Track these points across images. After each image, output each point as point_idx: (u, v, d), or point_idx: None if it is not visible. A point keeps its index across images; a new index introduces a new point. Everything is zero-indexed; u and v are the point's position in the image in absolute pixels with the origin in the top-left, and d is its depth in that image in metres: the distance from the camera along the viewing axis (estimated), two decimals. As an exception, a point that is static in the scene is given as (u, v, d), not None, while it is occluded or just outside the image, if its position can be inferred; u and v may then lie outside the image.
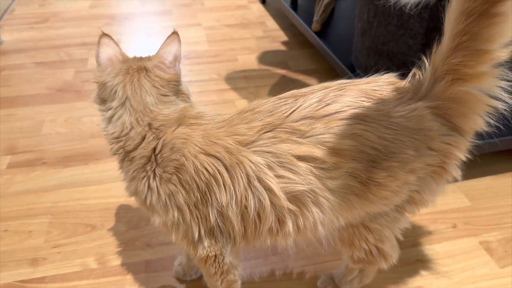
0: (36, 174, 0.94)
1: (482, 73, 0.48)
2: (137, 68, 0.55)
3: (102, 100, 0.55)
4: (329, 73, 1.38)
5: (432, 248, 0.79)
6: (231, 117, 0.54)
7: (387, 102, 0.52)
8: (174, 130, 0.52)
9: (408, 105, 0.51)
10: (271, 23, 1.75)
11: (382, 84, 0.55)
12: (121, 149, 0.53)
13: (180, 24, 1.72)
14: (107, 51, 0.56)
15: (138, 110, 0.52)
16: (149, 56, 0.57)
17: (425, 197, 0.55)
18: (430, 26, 0.87)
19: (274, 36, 1.63)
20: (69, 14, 1.77)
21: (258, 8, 1.90)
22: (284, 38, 1.62)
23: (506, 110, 0.51)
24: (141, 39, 1.58)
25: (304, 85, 1.31)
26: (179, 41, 0.57)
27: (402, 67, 0.97)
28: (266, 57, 1.48)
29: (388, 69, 1.00)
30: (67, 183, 0.92)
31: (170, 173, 0.51)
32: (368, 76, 0.58)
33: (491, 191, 0.92)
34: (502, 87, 0.49)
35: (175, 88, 0.57)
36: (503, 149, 0.91)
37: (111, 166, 0.96)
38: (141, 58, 0.57)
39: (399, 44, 0.94)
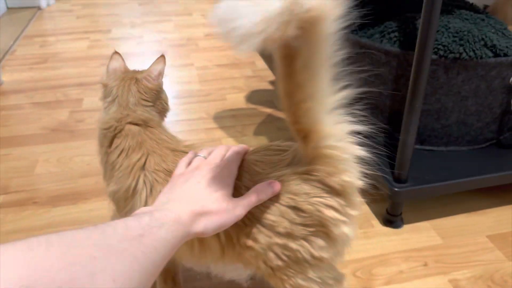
0: (26, 214, 0.98)
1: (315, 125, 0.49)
2: (130, 77, 0.73)
3: (104, 97, 0.73)
4: (313, 111, 1.43)
5: (403, 287, 0.82)
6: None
7: (265, 167, 0.55)
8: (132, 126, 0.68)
9: (276, 172, 0.54)
10: (260, 63, 1.82)
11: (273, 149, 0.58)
12: (104, 130, 0.68)
13: (174, 64, 1.80)
14: (115, 64, 0.77)
15: (122, 106, 0.69)
16: (141, 70, 0.76)
17: (317, 253, 0.55)
18: (398, 73, 0.93)
19: (263, 76, 1.71)
20: (68, 55, 1.86)
21: (249, 47, 1.98)
22: (272, 77, 1.69)
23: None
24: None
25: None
26: (164, 62, 0.78)
27: (375, 110, 1.02)
28: (254, 96, 1.54)
29: (362, 112, 1.06)
30: (56, 222, 0.96)
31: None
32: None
33: (463, 229, 0.95)
34: (354, 132, 0.48)
35: (156, 95, 0.75)
36: (473, 188, 0.95)
37: (99, 206, 1.00)
38: (135, 71, 0.77)
39: (370, 88, 1.00)
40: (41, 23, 2.28)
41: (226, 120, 1.39)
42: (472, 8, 0.99)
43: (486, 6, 1.13)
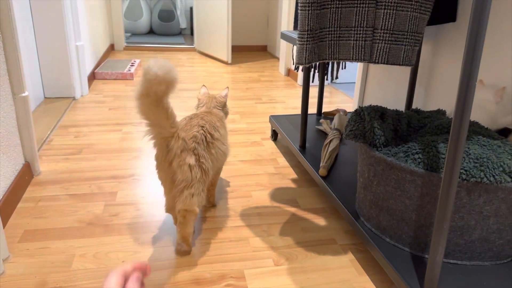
0: (63, 312, 1.01)
1: None
2: (212, 96, 1.51)
3: (197, 105, 1.53)
4: (336, 213, 1.50)
5: None
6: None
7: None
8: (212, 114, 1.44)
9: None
10: (282, 160, 1.93)
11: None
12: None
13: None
14: (203, 90, 1.55)
15: (207, 107, 1.48)
16: (218, 94, 1.53)
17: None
18: (423, 191, 1.01)
19: (285, 173, 1.80)
20: (101, 146, 1.99)
21: (270, 145, 2.11)
22: (294, 175, 1.78)
23: None
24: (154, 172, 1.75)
25: (312, 224, 1.43)
26: (228, 89, 1.56)
27: (401, 223, 1.08)
28: (277, 194, 1.62)
29: (388, 222, 1.12)
30: (93, 323, 0.98)
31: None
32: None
33: None
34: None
35: (223, 104, 1.52)
36: None
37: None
38: (214, 95, 1.52)
39: (397, 202, 1.08)
40: (75, 113, 2.45)
41: (252, 218, 1.45)
42: (488, 133, 1.10)
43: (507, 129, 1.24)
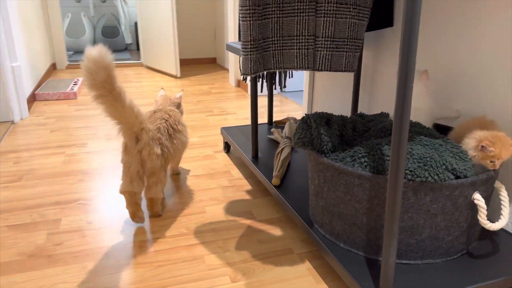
0: None
1: None
2: (168, 97, 1.71)
3: (155, 105, 1.66)
4: (291, 222, 1.49)
5: None
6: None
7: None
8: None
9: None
10: (236, 172, 1.90)
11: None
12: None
13: (150, 177, 1.84)
14: (161, 93, 1.75)
15: (162, 107, 1.59)
16: (174, 96, 1.74)
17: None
18: (371, 194, 1.02)
19: (239, 185, 1.77)
20: (43, 171, 1.87)
21: (224, 157, 2.08)
22: (248, 187, 1.76)
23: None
24: (113, 196, 1.67)
25: (268, 235, 1.41)
26: (182, 93, 1.77)
27: (353, 227, 1.09)
28: (232, 207, 1.59)
29: (340, 228, 1.12)
30: None
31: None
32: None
33: None
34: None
35: (177, 104, 1.72)
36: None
37: None
38: (169, 97, 1.72)
39: (348, 207, 1.08)
40: (14, 137, 2.30)
41: (207, 234, 1.41)
42: (429, 132, 1.13)
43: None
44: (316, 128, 1.16)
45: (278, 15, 1.44)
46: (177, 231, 1.43)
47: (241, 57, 1.41)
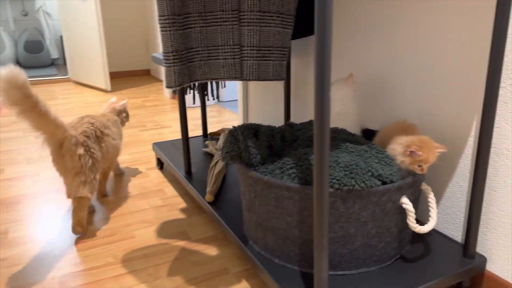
0: None
1: None
2: (112, 103, 1.82)
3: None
4: (227, 239, 1.42)
5: None
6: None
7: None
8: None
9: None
10: (170, 190, 1.81)
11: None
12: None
13: (75, 201, 1.70)
14: (112, 100, 1.85)
15: (103, 111, 1.77)
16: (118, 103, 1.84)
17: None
18: (301, 206, 0.98)
19: (173, 204, 1.68)
20: None
21: (157, 175, 1.97)
22: (183, 204, 1.68)
23: None
24: (32, 227, 1.52)
25: (204, 255, 1.33)
26: (126, 101, 1.87)
27: (286, 241, 1.04)
28: (165, 229, 1.49)
29: (274, 243, 1.08)
30: None
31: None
32: None
33: None
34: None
35: (117, 111, 1.80)
36: (388, 308, 0.98)
37: None
38: (114, 103, 1.82)
39: (279, 221, 1.04)
40: None
41: (137, 262, 1.30)
42: (355, 139, 1.12)
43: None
44: (243, 141, 1.11)
45: (201, 25, 1.38)
46: (103, 261, 1.31)
47: (164, 69, 1.34)
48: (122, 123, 1.83)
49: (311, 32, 1.67)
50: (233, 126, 1.19)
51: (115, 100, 1.86)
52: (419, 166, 1.00)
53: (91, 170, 1.46)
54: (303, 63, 1.80)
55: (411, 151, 0.99)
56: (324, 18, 0.72)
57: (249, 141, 1.10)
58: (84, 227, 1.45)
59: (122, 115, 1.84)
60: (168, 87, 1.31)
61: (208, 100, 2.14)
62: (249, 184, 1.09)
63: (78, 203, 1.44)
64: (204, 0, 1.35)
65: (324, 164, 0.80)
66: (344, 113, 1.30)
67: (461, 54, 1.08)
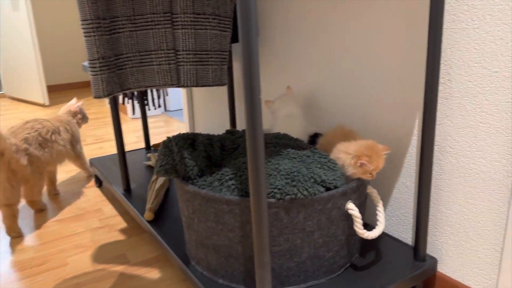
0: None
1: None
2: (70, 106, 1.83)
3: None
4: (170, 260, 1.32)
5: None
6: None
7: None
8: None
9: None
10: (109, 209, 1.67)
11: None
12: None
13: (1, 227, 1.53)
14: (72, 102, 1.85)
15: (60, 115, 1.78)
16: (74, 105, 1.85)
17: None
18: (243, 219, 0.90)
19: (112, 225, 1.55)
20: None
21: (95, 193, 1.83)
22: (123, 224, 1.55)
23: None
24: None
25: (144, 280, 1.22)
26: (81, 103, 1.88)
27: (230, 259, 0.96)
28: (102, 253, 1.36)
29: (217, 262, 0.99)
30: None
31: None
32: None
33: None
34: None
35: (72, 113, 1.83)
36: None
37: None
38: (72, 105, 1.84)
39: (221, 238, 0.95)
40: None
41: (69, 292, 1.17)
42: (297, 144, 1.06)
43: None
44: (178, 152, 1.02)
45: (130, 29, 1.28)
46: (29, 295, 1.16)
47: (91, 78, 1.22)
48: (79, 124, 1.87)
49: (251, 35, 1.61)
50: (167, 137, 1.09)
51: (74, 102, 1.88)
52: (370, 174, 0.95)
53: (36, 175, 1.53)
54: (246, 67, 1.74)
55: (361, 163, 0.94)
56: (248, 14, 0.65)
57: (184, 152, 1.01)
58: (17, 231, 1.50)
59: (78, 116, 1.86)
60: (96, 97, 1.20)
61: (149, 109, 2.03)
62: (187, 200, 1.00)
63: (31, 203, 1.62)
64: (133, 2, 1.26)
65: (260, 174, 0.72)
66: (291, 118, 1.26)
67: (398, 53, 1.06)
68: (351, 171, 0.96)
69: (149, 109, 2.03)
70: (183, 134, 1.09)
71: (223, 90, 1.94)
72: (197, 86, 1.35)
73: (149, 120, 3.06)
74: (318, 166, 0.94)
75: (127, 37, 1.28)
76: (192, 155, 1.01)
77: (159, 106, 2.01)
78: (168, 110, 3.31)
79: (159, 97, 2.02)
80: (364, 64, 1.16)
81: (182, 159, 1.00)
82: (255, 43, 0.67)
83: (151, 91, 2.01)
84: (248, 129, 0.71)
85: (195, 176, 1.01)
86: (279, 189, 0.87)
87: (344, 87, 1.25)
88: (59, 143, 1.66)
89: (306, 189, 0.87)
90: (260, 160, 0.72)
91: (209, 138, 1.10)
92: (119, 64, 1.27)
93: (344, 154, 0.98)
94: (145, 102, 2.01)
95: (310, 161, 0.96)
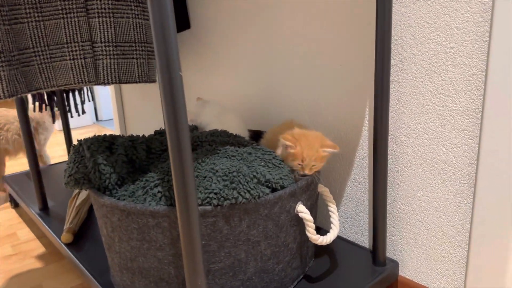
0: None
1: None
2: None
3: None
4: (96, 287, 1.11)
5: None
6: None
7: None
8: None
9: None
10: (24, 232, 1.43)
11: None
12: None
13: None
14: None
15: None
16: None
17: None
18: (173, 234, 0.74)
19: (27, 251, 1.31)
20: None
21: (10, 215, 1.57)
22: (40, 250, 1.31)
23: None
24: None
25: (62, 316, 1.01)
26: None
27: (160, 283, 0.79)
28: (14, 284, 1.13)
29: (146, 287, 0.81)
30: None
31: None
32: None
33: None
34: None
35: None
36: None
37: None
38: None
39: (148, 259, 0.78)
40: None
41: None
42: (237, 140, 0.91)
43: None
44: (91, 158, 0.83)
45: (36, 18, 1.08)
46: None
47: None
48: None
49: (183, 27, 1.45)
50: (78, 141, 0.90)
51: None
52: (299, 164, 0.83)
53: None
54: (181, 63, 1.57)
55: (285, 145, 0.82)
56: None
57: (99, 157, 0.83)
58: None
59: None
60: (-6, 98, 0.99)
61: (72, 117, 1.79)
62: (104, 215, 0.82)
63: None
64: (37, -13, 1.06)
65: (186, 171, 0.57)
66: (224, 116, 1.11)
67: (343, 35, 0.95)
68: (277, 152, 0.86)
69: (71, 116, 1.80)
70: (98, 136, 0.91)
71: (156, 89, 1.76)
72: (119, 82, 1.17)
73: (79, 131, 2.79)
74: (262, 164, 0.80)
75: (33, 28, 1.08)
76: (109, 160, 0.84)
77: (83, 112, 1.78)
78: (101, 120, 3.05)
79: (83, 103, 1.79)
80: (306, 52, 1.05)
81: (96, 165, 0.82)
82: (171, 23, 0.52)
83: (73, 95, 1.78)
84: (167, 111, 0.55)
85: (114, 186, 0.83)
86: (215, 193, 0.71)
87: (286, 81, 1.13)
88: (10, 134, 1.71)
89: (249, 191, 0.72)
90: (185, 154, 0.56)
91: (132, 139, 0.93)
92: (24, 60, 1.07)
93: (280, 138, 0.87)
94: (67, 108, 1.77)
95: (252, 158, 0.82)
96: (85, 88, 1.81)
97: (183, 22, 1.44)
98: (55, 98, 1.79)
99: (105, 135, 0.92)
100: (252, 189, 0.73)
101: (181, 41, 1.52)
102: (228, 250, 0.75)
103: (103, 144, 0.87)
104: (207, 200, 0.71)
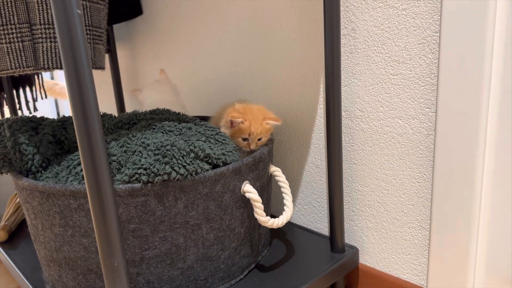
0: None
1: None
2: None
3: None
4: (34, 289, 1.01)
5: None
6: None
7: None
8: None
9: None
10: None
11: None
12: None
13: None
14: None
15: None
16: None
17: None
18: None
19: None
20: None
21: None
22: (-23, 253, 1.20)
23: None
24: None
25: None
26: None
27: (89, 275, 0.70)
28: None
29: (74, 282, 0.72)
30: None
31: None
32: None
33: None
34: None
35: None
36: None
37: None
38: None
39: (73, 247, 0.69)
40: None
41: None
42: (179, 117, 0.84)
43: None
44: (11, 137, 0.74)
45: (-34, -2, 0.99)
46: None
47: None
48: None
49: (134, 13, 1.38)
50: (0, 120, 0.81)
51: None
52: (244, 139, 0.77)
53: None
54: (131, 54, 1.49)
55: (230, 120, 0.76)
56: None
57: (20, 137, 0.74)
58: None
59: None
60: None
61: (22, 114, 1.68)
62: (25, 200, 0.72)
63: None
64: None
65: (94, 135, 0.49)
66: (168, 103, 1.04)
67: (288, 9, 0.89)
68: (223, 130, 0.79)
69: (30, 114, 1.68)
70: (24, 116, 0.81)
71: (107, 77, 1.67)
72: (61, 68, 1.08)
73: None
74: (202, 139, 0.73)
75: (-36, 8, 0.99)
76: (32, 139, 0.75)
77: (35, 110, 1.68)
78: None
79: (34, 99, 1.69)
80: (259, 29, 0.98)
81: (16, 145, 0.73)
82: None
83: (24, 90, 1.67)
84: (69, 78, 0.47)
85: (38, 168, 0.74)
86: (145, 168, 0.63)
87: (241, 62, 1.06)
88: None
89: (184, 166, 0.65)
90: (91, 121, 0.48)
91: (62, 120, 0.84)
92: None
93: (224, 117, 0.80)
94: (18, 105, 1.67)
95: (192, 133, 0.74)
96: (37, 83, 1.70)
97: (134, 8, 1.36)
98: (4, 95, 1.68)
99: (33, 115, 0.83)
100: (188, 164, 0.65)
101: (133, 28, 1.45)
102: (163, 234, 0.67)
103: (28, 124, 0.79)
104: (136, 177, 0.63)
